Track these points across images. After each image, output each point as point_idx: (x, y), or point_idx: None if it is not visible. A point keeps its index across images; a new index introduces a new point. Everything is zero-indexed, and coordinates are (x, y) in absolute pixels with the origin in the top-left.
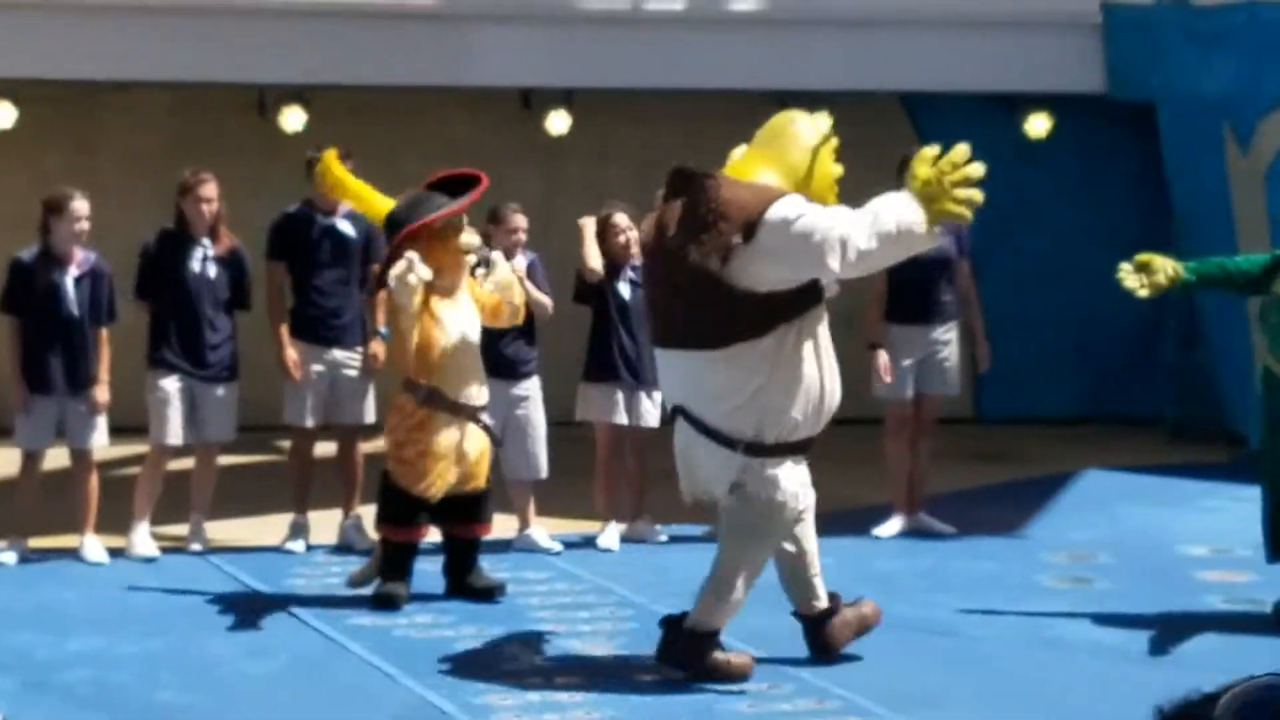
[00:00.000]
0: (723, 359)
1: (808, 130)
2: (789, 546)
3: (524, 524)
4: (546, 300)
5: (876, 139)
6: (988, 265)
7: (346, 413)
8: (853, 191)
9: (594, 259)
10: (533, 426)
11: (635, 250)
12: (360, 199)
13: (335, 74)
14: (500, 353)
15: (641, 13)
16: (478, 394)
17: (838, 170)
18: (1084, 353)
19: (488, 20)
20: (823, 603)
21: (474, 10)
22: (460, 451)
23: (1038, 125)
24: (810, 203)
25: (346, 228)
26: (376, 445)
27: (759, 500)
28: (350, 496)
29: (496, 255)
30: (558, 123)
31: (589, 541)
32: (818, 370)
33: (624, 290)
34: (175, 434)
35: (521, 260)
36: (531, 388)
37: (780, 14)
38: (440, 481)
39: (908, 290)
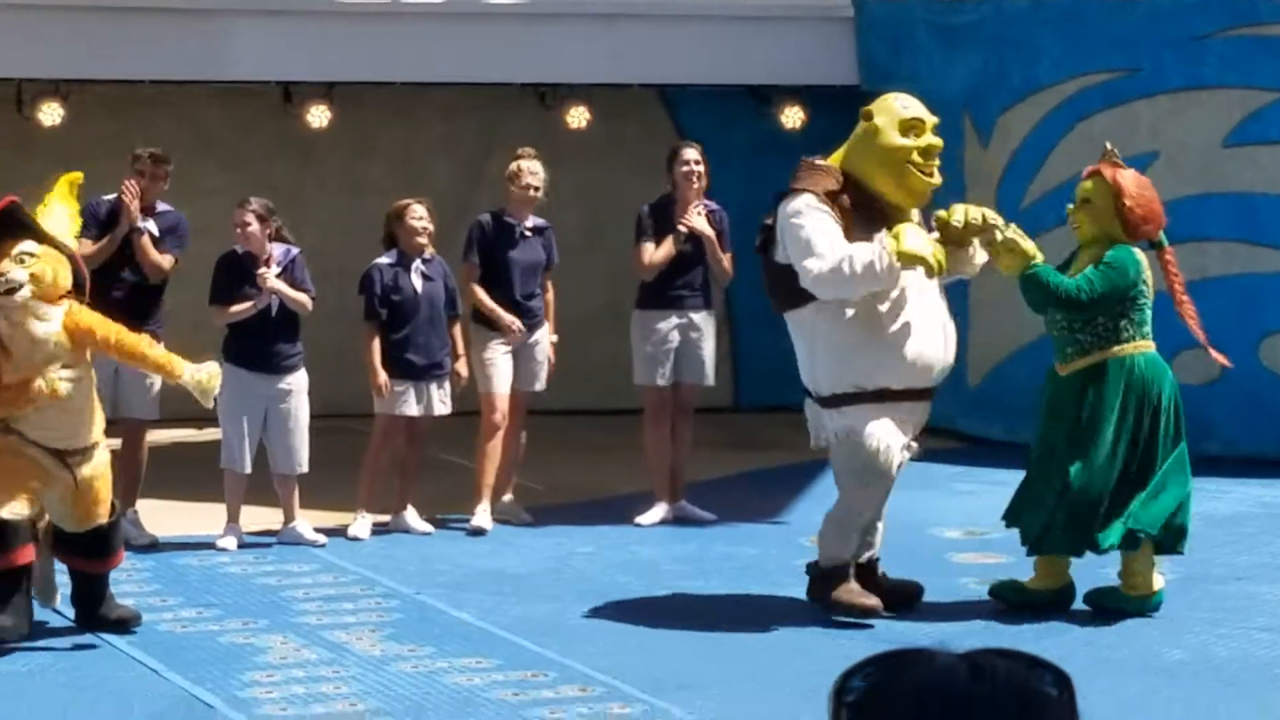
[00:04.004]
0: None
1: (892, 108)
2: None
3: (289, 517)
4: (304, 298)
5: (636, 131)
6: (745, 257)
7: (133, 407)
8: (613, 182)
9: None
10: (294, 421)
11: (426, 242)
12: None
13: (93, 68)
14: (263, 347)
15: (400, 6)
16: (71, 438)
17: (906, 143)
18: None
19: (247, 14)
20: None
21: (233, 4)
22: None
23: (792, 117)
24: (825, 211)
25: None
26: (161, 436)
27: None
28: (130, 490)
29: None
30: (317, 117)
31: None
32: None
33: (416, 282)
34: None
35: (279, 251)
36: (296, 381)
37: (537, 8)
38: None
39: (663, 276)
